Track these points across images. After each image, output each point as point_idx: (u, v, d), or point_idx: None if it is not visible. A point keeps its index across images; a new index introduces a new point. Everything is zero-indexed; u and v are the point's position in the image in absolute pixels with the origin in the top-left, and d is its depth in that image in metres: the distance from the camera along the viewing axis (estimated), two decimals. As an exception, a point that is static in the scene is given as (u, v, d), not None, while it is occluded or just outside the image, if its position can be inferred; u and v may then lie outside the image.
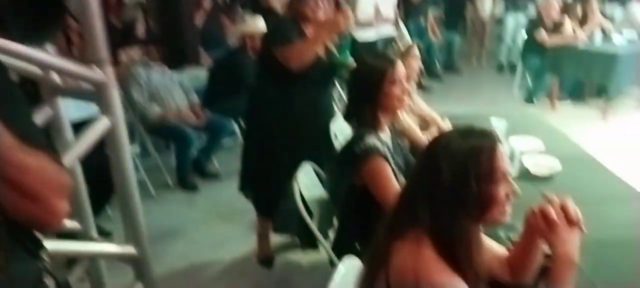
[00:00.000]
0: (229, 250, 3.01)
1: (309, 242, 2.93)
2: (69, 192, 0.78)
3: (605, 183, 2.11)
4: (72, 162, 1.10)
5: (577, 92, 5.84)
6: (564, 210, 1.14)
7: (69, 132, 1.22)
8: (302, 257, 2.93)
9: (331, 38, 2.45)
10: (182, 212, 3.53)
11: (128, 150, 1.15)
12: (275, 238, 2.98)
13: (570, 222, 1.13)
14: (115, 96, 1.09)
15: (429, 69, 6.96)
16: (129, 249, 1.27)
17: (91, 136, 1.00)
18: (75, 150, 0.99)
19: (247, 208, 3.21)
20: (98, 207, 2.97)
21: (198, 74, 4.37)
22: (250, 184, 2.79)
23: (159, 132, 3.82)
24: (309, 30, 2.42)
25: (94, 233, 1.33)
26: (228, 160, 4.21)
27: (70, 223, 1.29)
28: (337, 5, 2.63)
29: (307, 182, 2.15)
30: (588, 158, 2.41)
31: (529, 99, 5.71)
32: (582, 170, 2.23)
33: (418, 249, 1.08)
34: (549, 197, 1.18)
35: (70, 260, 1.34)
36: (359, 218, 1.86)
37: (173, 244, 3.11)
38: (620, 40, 5.44)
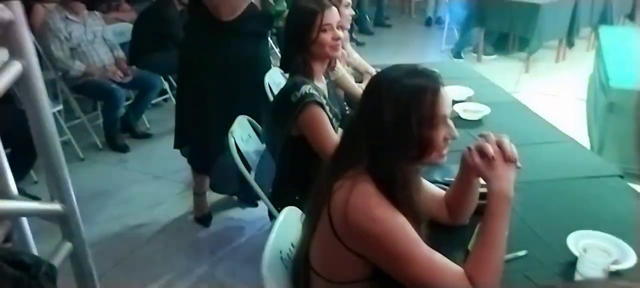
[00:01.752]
0: (164, 210, 2.93)
1: (247, 198, 2.91)
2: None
3: (533, 126, 2.19)
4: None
5: (501, 46, 6.11)
6: (500, 146, 1.15)
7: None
8: (241, 214, 2.90)
9: None
10: (113, 173, 3.38)
11: (45, 97, 1.04)
12: (213, 196, 2.93)
13: (507, 158, 1.14)
14: (27, 36, 0.98)
15: (360, 24, 7.01)
16: (54, 206, 1.18)
17: (1, 82, 0.90)
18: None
19: (180, 168, 3.14)
20: (21, 170, 2.78)
21: (123, 29, 4.12)
22: (185, 141, 2.70)
23: (83, 90, 3.58)
24: None
25: (14, 191, 1.21)
26: (159, 118, 4.07)
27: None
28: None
29: (244, 135, 2.10)
30: (515, 104, 2.51)
31: (457, 53, 5.90)
32: (510, 115, 2.31)
33: (357, 185, 1.08)
34: (486, 134, 1.20)
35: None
36: (297, 169, 1.85)
37: (105, 206, 2.98)
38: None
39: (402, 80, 1.10)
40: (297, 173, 1.85)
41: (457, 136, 1.15)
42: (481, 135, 1.21)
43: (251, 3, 2.30)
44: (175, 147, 2.73)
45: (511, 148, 1.15)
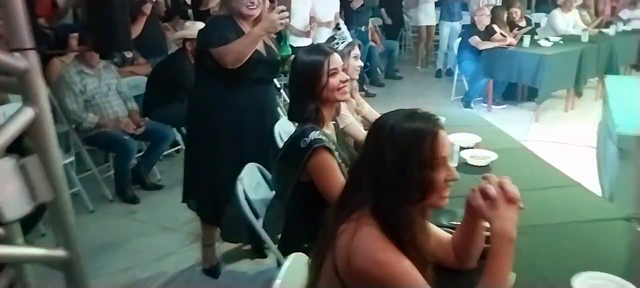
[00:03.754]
0: (172, 262, 2.90)
1: (256, 248, 2.89)
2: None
3: (539, 172, 2.20)
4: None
5: (510, 95, 6.16)
6: (502, 187, 1.16)
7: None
8: (250, 265, 2.87)
9: (268, 34, 2.43)
10: (122, 225, 3.39)
11: (55, 143, 1.08)
12: (222, 247, 2.91)
13: (509, 199, 1.15)
14: (40, 85, 1.02)
15: (371, 76, 7.13)
16: (58, 252, 1.19)
17: (12, 127, 0.93)
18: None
19: (190, 219, 3.14)
20: (29, 223, 2.80)
21: (138, 82, 4.24)
22: (194, 191, 2.71)
23: (95, 142, 3.64)
24: (245, 27, 2.40)
25: (20, 240, 1.23)
26: (170, 170, 4.10)
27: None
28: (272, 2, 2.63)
29: (253, 183, 2.11)
30: (522, 150, 2.53)
31: (467, 103, 5.95)
32: (517, 161, 2.32)
33: (361, 228, 1.09)
34: (488, 176, 1.21)
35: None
36: (306, 215, 1.84)
37: (113, 258, 2.97)
38: (546, 44, 5.79)
39: (401, 124, 1.13)
40: (307, 220, 1.84)
41: (457, 177, 1.16)
42: (484, 178, 1.22)
43: (256, 50, 2.36)
44: (184, 200, 2.74)
45: (513, 189, 1.17)
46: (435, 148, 1.11)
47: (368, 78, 7.06)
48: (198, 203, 2.74)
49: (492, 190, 1.16)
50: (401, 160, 1.10)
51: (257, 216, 2.04)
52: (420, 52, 8.21)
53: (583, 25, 6.95)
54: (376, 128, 1.19)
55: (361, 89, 6.11)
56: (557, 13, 6.97)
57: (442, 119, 2.54)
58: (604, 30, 6.85)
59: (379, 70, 7.34)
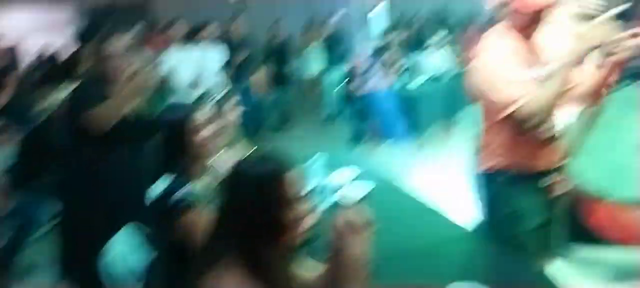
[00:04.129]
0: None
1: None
2: None
3: (407, 203, 2.43)
4: None
5: (393, 133, 6.56)
6: (353, 217, 1.24)
7: None
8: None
9: (139, 94, 2.40)
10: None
11: None
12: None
13: (360, 227, 1.23)
14: None
15: (259, 125, 7.20)
16: None
17: None
18: None
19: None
20: None
21: (6, 153, 3.88)
22: (73, 267, 2.52)
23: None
24: (117, 88, 2.35)
25: None
26: (46, 248, 3.74)
27: None
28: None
29: (133, 245, 2.04)
30: (397, 182, 2.76)
31: (355, 143, 6.25)
32: (390, 194, 2.52)
33: (224, 275, 1.11)
34: (342, 208, 1.28)
35: None
36: (182, 271, 1.80)
37: None
38: (420, 82, 6.33)
39: (251, 169, 1.19)
40: (182, 278, 1.80)
41: (306, 216, 1.22)
42: (338, 209, 1.29)
43: (130, 110, 2.32)
44: (61, 279, 2.55)
45: (363, 217, 1.25)
46: (284, 188, 1.17)
47: (257, 127, 7.12)
48: (79, 280, 2.56)
49: (341, 221, 1.24)
50: (253, 204, 1.15)
51: (141, 279, 1.96)
52: (309, 98, 8.51)
53: (452, 63, 7.65)
54: (229, 176, 1.23)
55: (251, 138, 6.13)
56: (429, 53, 7.62)
57: (322, 160, 2.65)
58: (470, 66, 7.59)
59: (268, 120, 7.47)
